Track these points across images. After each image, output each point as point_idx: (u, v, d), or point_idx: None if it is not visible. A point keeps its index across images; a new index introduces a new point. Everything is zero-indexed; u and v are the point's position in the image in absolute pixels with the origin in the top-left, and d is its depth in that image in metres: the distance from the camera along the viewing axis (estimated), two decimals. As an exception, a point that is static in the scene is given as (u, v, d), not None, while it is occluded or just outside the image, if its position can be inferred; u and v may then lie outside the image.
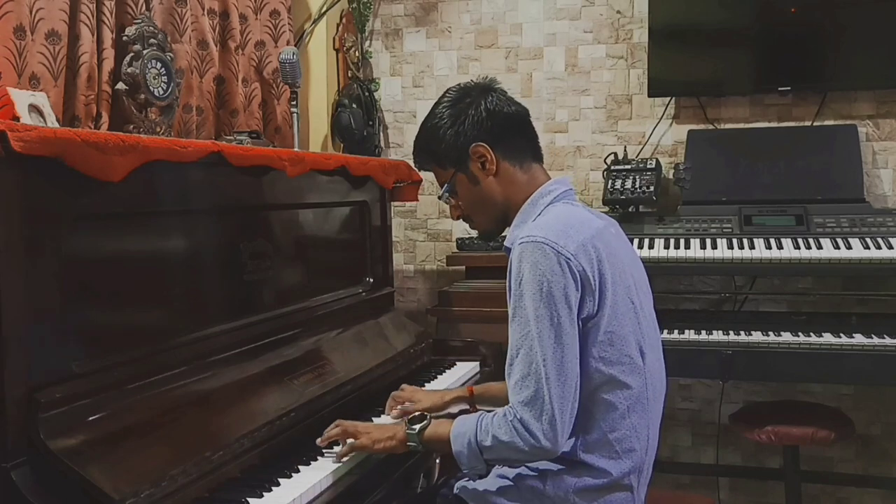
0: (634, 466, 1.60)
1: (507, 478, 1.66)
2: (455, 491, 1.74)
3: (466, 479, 1.75)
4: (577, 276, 1.53)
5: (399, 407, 2.02)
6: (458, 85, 1.78)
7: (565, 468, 1.60)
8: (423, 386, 2.36)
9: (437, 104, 1.76)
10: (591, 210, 1.77)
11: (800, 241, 2.74)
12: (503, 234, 1.78)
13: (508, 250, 1.65)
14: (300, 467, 1.71)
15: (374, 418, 2.02)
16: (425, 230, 3.57)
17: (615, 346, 1.57)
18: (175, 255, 1.81)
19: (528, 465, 1.64)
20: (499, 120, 1.70)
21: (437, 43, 3.50)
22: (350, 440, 1.76)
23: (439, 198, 1.79)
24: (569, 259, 1.52)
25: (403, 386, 2.09)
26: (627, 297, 1.62)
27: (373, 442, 1.74)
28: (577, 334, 1.54)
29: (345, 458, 1.74)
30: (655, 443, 1.69)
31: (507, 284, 1.61)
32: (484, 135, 1.69)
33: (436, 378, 2.44)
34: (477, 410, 1.92)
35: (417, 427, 1.69)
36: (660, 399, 1.70)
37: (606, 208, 2.99)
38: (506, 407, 1.56)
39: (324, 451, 1.78)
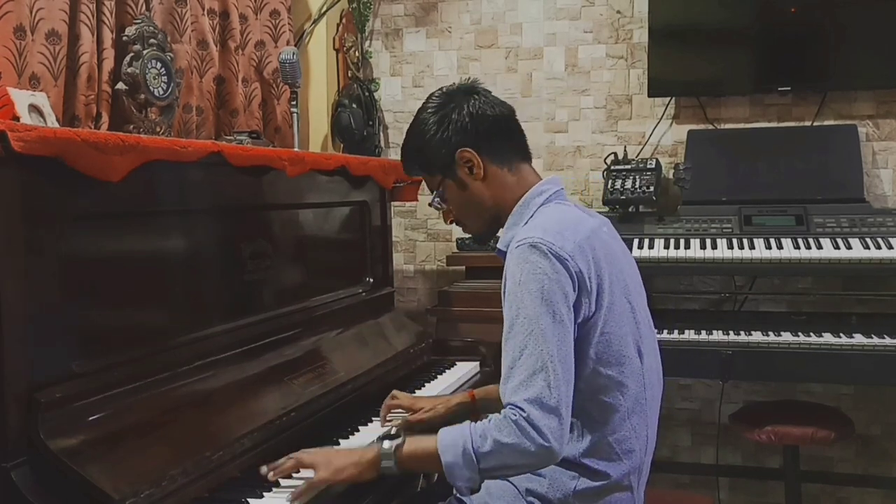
0: (634, 467, 1.60)
1: (508, 481, 1.65)
2: (455, 494, 1.73)
3: None
4: (575, 276, 1.52)
5: (393, 416, 1.97)
6: (441, 89, 1.75)
7: (566, 471, 1.59)
8: (423, 386, 2.36)
9: (420, 110, 1.74)
10: (583, 209, 1.75)
11: (800, 241, 2.74)
12: (497, 235, 1.77)
13: (501, 252, 1.65)
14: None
15: (360, 427, 1.97)
16: (425, 230, 3.57)
17: (613, 346, 1.56)
18: (175, 255, 1.81)
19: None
20: (483, 123, 1.68)
21: (437, 43, 3.50)
22: (309, 475, 1.58)
23: (430, 205, 1.78)
24: (566, 260, 1.51)
25: (395, 393, 2.03)
26: (624, 298, 1.61)
27: (334, 472, 1.57)
28: (573, 335, 1.53)
29: (302, 498, 1.54)
30: (654, 443, 1.69)
31: (503, 289, 1.58)
32: (469, 139, 1.67)
33: (436, 378, 2.44)
34: (479, 416, 1.84)
35: (392, 446, 1.55)
36: (657, 399, 1.70)
37: (606, 208, 2.99)
38: (504, 410, 1.47)
39: (279, 484, 1.58)
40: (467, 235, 3.16)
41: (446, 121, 1.68)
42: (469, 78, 1.79)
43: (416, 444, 1.56)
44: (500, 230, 1.74)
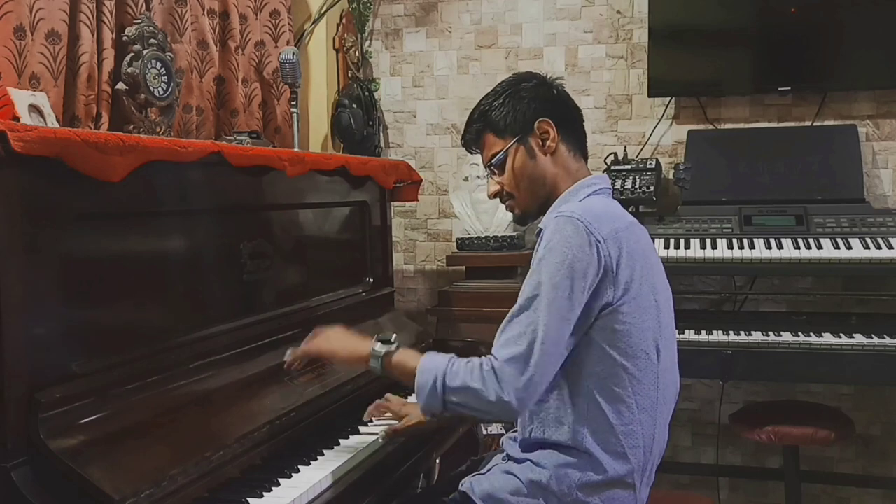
0: (638, 465, 1.60)
1: (512, 473, 1.66)
2: (460, 487, 1.73)
3: (471, 475, 1.75)
4: (603, 260, 1.54)
5: (384, 422, 1.97)
6: (525, 71, 1.82)
7: (569, 462, 1.60)
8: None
9: (504, 80, 1.78)
10: (624, 209, 1.78)
11: (800, 241, 2.74)
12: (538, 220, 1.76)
13: (539, 233, 1.66)
14: (300, 467, 1.71)
15: (360, 427, 1.99)
16: (425, 230, 3.57)
17: (633, 338, 1.58)
18: (175, 255, 1.81)
19: (533, 460, 1.63)
20: (567, 105, 1.76)
21: (437, 43, 3.50)
22: (309, 340, 1.82)
23: (487, 165, 1.77)
24: (599, 242, 1.54)
25: (388, 396, 2.04)
26: (651, 295, 1.63)
27: (330, 350, 1.80)
28: (590, 320, 1.56)
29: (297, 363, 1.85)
30: (662, 446, 1.69)
31: (533, 256, 1.61)
32: (553, 112, 1.71)
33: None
34: (466, 420, 1.97)
35: (383, 350, 1.69)
36: (670, 402, 1.70)
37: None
38: (482, 358, 1.55)
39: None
40: (467, 235, 3.18)
41: (534, 89, 1.73)
42: (548, 74, 1.82)
43: (403, 357, 1.69)
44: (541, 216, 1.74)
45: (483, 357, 1.56)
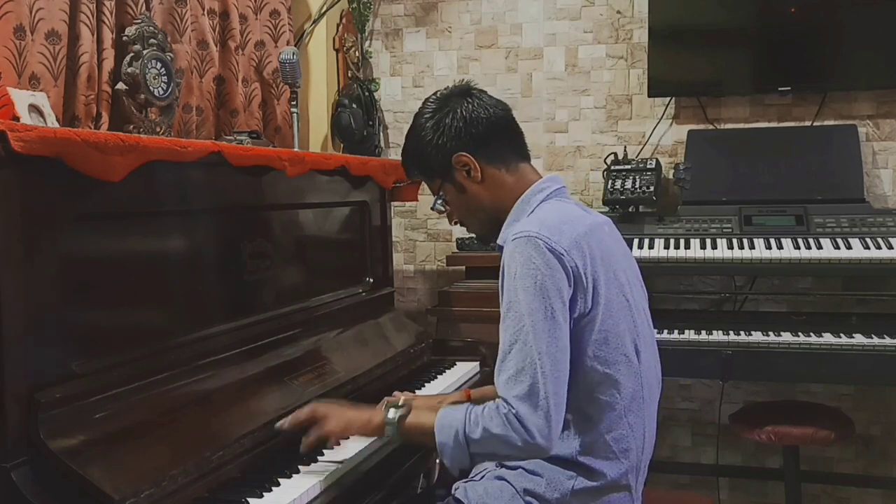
0: (632, 466, 1.60)
1: (505, 480, 1.66)
2: (453, 493, 1.73)
3: (464, 481, 1.74)
4: (570, 271, 1.52)
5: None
6: (436, 94, 1.75)
7: (563, 470, 1.59)
8: (423, 386, 2.36)
9: (417, 116, 1.74)
10: (583, 207, 1.75)
11: (800, 241, 2.73)
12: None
13: (501, 248, 1.64)
14: (300, 467, 1.71)
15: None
16: (425, 230, 3.57)
17: (610, 344, 1.56)
18: (175, 255, 1.81)
19: (526, 468, 1.63)
20: (478, 126, 1.68)
21: (437, 43, 3.50)
22: (319, 426, 1.71)
23: (432, 208, 1.79)
24: (562, 255, 1.52)
25: (395, 393, 2.05)
26: (622, 295, 1.61)
27: (343, 428, 1.72)
28: (569, 331, 1.53)
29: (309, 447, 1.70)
30: (652, 442, 1.69)
31: (500, 281, 1.59)
32: (464, 144, 1.67)
33: (436, 378, 2.44)
34: None
35: (396, 415, 1.64)
36: (655, 398, 1.70)
37: (606, 208, 2.99)
38: (497, 400, 1.51)
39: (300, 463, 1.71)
40: (467, 235, 3.18)
41: (442, 126, 1.68)
42: (464, 80, 1.80)
43: (417, 418, 1.64)
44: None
45: (496, 401, 1.51)
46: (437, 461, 2.34)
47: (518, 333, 1.50)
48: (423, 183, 2.94)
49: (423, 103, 1.75)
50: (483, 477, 1.72)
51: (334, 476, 1.71)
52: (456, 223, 1.81)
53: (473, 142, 1.67)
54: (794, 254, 2.69)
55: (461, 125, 1.68)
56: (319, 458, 1.77)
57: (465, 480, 1.74)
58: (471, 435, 1.51)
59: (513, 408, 1.47)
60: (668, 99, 3.24)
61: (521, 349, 1.49)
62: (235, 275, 1.98)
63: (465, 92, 1.72)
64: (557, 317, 1.49)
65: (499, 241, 1.69)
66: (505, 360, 1.51)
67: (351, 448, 1.84)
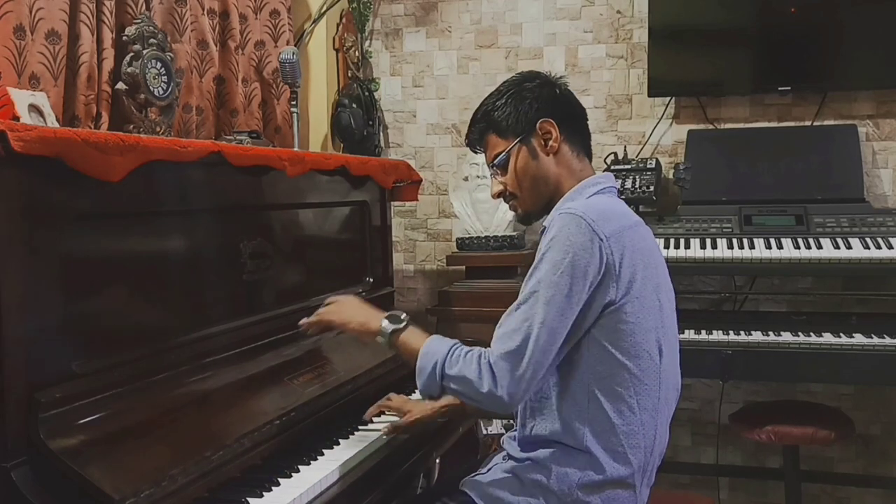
0: (639, 465, 1.60)
1: (512, 473, 1.67)
2: (461, 488, 1.73)
3: (472, 475, 1.75)
4: (605, 259, 1.54)
5: (386, 419, 2.00)
6: (529, 70, 1.82)
7: (570, 462, 1.60)
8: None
9: (505, 82, 1.78)
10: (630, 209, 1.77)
11: (800, 241, 2.74)
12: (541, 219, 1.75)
13: (545, 230, 1.65)
14: (300, 467, 1.71)
15: (360, 427, 1.99)
16: (425, 230, 3.57)
17: (636, 337, 1.58)
18: (175, 255, 1.81)
19: (533, 459, 1.64)
20: (569, 105, 1.75)
21: (437, 43, 3.50)
22: (324, 311, 1.87)
23: (491, 165, 1.77)
24: (601, 240, 1.54)
25: (391, 395, 2.07)
26: (655, 294, 1.63)
27: (344, 322, 1.83)
28: (592, 318, 1.56)
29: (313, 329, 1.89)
30: (663, 447, 1.69)
31: (538, 253, 1.61)
32: (556, 113, 1.71)
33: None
34: (469, 415, 2.00)
35: (391, 328, 1.72)
36: (671, 403, 1.70)
37: (606, 208, 2.98)
38: (482, 349, 1.58)
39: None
40: (467, 235, 3.18)
41: (537, 90, 1.73)
42: (551, 72, 1.82)
43: (409, 336, 1.71)
44: (545, 216, 1.73)
45: (483, 349, 1.58)
46: (437, 461, 2.34)
47: (530, 296, 1.55)
48: (422, 183, 2.96)
49: (515, 74, 1.80)
50: (490, 469, 1.73)
51: (334, 476, 1.71)
52: (499, 195, 1.78)
53: (564, 115, 1.72)
54: (794, 254, 2.69)
55: (559, 95, 1.74)
56: (319, 457, 1.78)
57: (472, 475, 1.75)
58: (447, 370, 1.59)
59: (492, 359, 1.54)
60: (668, 99, 3.24)
61: (526, 311, 1.54)
62: (235, 275, 1.98)
63: (557, 77, 1.79)
64: (574, 296, 1.53)
65: (545, 222, 1.68)
66: (509, 316, 1.58)
67: (352, 448, 1.84)
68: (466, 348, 1.61)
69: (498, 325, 1.59)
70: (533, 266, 1.59)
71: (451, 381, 1.59)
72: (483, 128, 1.77)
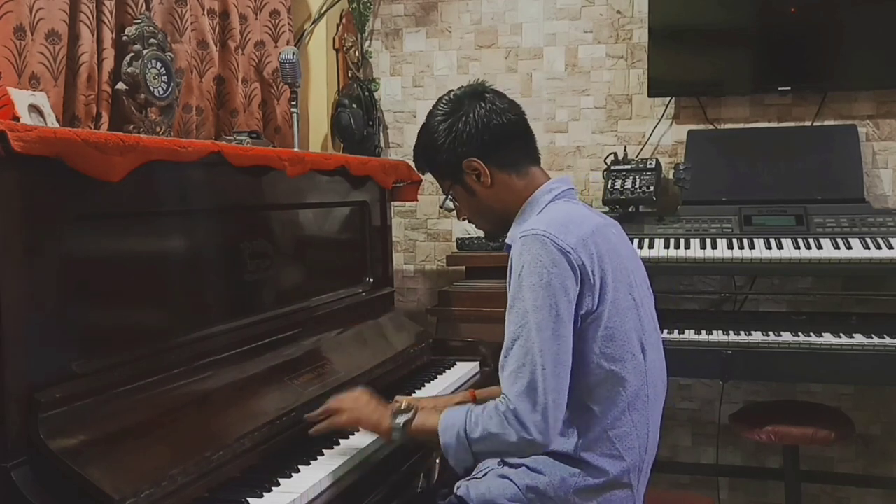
0: (634, 465, 1.60)
1: (508, 478, 1.66)
2: (456, 491, 1.73)
3: (467, 479, 1.75)
4: (577, 269, 1.54)
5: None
6: (450, 94, 1.76)
7: (565, 467, 1.60)
8: (423, 386, 2.36)
9: (430, 116, 1.75)
10: (591, 209, 1.77)
11: (800, 241, 2.74)
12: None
13: (509, 247, 1.65)
14: (300, 467, 1.71)
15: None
16: (425, 230, 3.57)
17: (616, 341, 1.57)
18: (175, 255, 1.81)
19: (528, 465, 1.64)
20: (490, 132, 1.69)
21: (437, 43, 3.50)
22: (333, 418, 1.78)
23: (441, 206, 1.82)
24: (569, 252, 1.53)
25: (398, 398, 2.07)
26: (629, 294, 1.62)
27: (355, 421, 1.77)
28: (574, 329, 1.54)
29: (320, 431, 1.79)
30: (656, 442, 1.69)
31: (507, 279, 1.61)
32: (476, 149, 1.68)
33: (436, 378, 2.44)
34: None
35: (402, 420, 1.68)
36: (660, 398, 1.70)
37: (606, 208, 2.99)
38: (497, 399, 1.54)
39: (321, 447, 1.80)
40: (467, 235, 3.19)
41: (454, 130, 1.69)
42: (479, 79, 1.81)
43: (423, 420, 1.67)
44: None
45: (496, 400, 1.55)
46: (437, 461, 2.34)
47: (521, 330, 1.52)
48: (422, 183, 2.96)
49: (437, 103, 1.76)
50: (486, 475, 1.73)
51: (334, 476, 1.71)
52: (464, 219, 1.83)
53: (485, 148, 1.68)
54: (794, 254, 2.69)
55: (473, 131, 1.68)
56: (319, 457, 1.78)
57: (467, 479, 1.75)
58: (471, 434, 1.55)
59: (511, 404, 1.50)
60: (668, 99, 3.24)
61: (522, 345, 1.51)
62: (235, 275, 1.98)
63: (478, 94, 1.72)
64: (562, 314, 1.51)
65: (507, 240, 1.70)
66: (508, 356, 1.54)
67: (351, 448, 1.84)
68: (480, 407, 1.57)
69: (500, 368, 1.56)
70: (511, 295, 1.57)
71: (479, 445, 1.55)
72: (423, 169, 1.82)
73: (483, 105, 1.70)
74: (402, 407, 1.72)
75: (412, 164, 1.89)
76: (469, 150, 1.68)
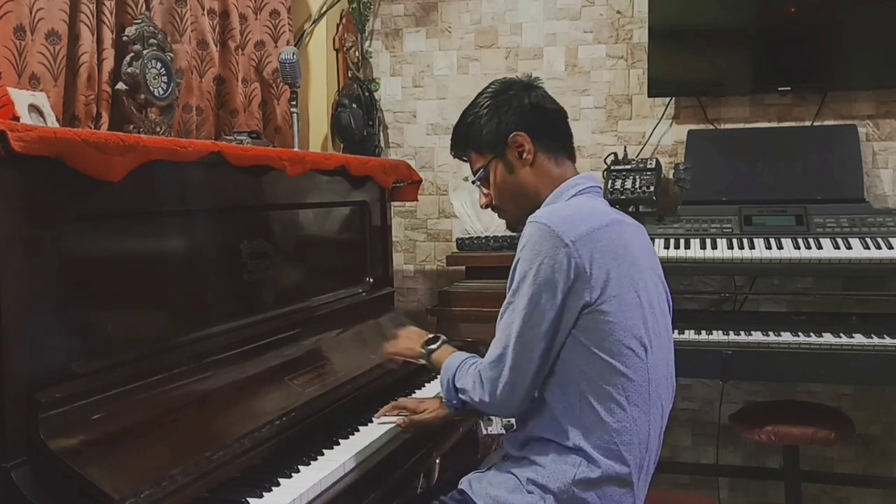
0: (634, 462, 1.60)
1: (510, 472, 1.67)
2: (460, 486, 1.74)
3: (470, 474, 1.76)
4: (573, 263, 1.56)
5: (391, 419, 2.02)
6: (503, 78, 1.84)
7: (565, 458, 1.60)
8: (423, 386, 2.36)
9: (479, 94, 1.82)
10: (611, 208, 1.78)
11: (800, 241, 2.74)
12: None
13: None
14: (300, 467, 1.71)
15: (360, 427, 1.98)
16: (425, 230, 3.57)
17: (617, 335, 1.58)
18: (175, 255, 1.81)
19: (529, 457, 1.65)
20: (540, 113, 1.76)
21: (437, 43, 3.50)
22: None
23: (473, 182, 1.84)
24: (567, 245, 1.56)
25: (401, 400, 2.09)
26: (634, 292, 1.62)
27: (397, 352, 2.09)
28: (571, 319, 1.58)
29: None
30: (657, 443, 1.69)
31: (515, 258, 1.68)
32: (525, 125, 1.74)
33: (436, 378, 2.43)
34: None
35: (427, 350, 1.95)
36: (664, 398, 1.69)
37: (606, 208, 2.99)
38: (480, 360, 1.73)
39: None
40: (468, 235, 3.18)
41: (506, 105, 1.76)
42: (529, 75, 1.86)
43: (439, 355, 1.93)
44: None
45: (480, 359, 1.73)
46: (437, 461, 2.34)
47: (507, 307, 1.65)
48: (422, 183, 2.96)
49: (487, 85, 1.84)
50: (489, 469, 1.74)
51: (334, 476, 1.71)
52: (488, 206, 1.85)
53: (533, 126, 1.75)
54: (794, 254, 2.69)
55: (527, 107, 1.76)
56: (319, 457, 1.78)
57: (471, 473, 1.76)
58: (457, 383, 1.77)
59: (480, 368, 1.70)
60: (668, 99, 3.24)
61: (505, 320, 1.64)
62: (235, 275, 1.98)
63: (530, 84, 1.81)
64: (543, 303, 1.58)
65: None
66: (497, 323, 1.68)
67: (351, 449, 1.84)
68: (471, 361, 1.77)
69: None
70: (510, 275, 1.65)
71: (460, 393, 1.77)
72: (462, 145, 1.85)
73: (536, 91, 1.79)
74: (431, 337, 1.98)
75: (412, 165, 1.90)
76: (518, 125, 1.74)
